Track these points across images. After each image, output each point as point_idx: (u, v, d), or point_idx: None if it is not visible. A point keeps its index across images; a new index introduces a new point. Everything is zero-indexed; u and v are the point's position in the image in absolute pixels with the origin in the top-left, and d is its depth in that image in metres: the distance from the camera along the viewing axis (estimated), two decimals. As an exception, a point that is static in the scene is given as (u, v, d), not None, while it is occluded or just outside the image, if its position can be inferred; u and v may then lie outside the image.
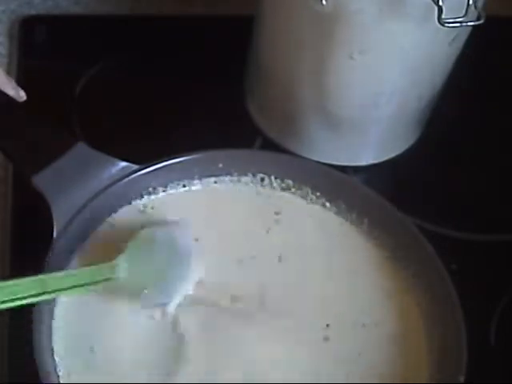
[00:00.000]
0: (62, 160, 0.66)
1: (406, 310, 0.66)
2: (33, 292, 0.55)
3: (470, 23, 0.66)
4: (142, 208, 0.69)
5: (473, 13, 0.65)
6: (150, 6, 0.94)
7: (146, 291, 0.61)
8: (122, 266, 0.61)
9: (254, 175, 0.72)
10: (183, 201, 0.70)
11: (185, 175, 0.71)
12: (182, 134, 0.81)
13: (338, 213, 0.71)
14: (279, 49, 0.76)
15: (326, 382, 0.62)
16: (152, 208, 0.69)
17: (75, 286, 0.58)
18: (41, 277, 0.57)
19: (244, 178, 0.72)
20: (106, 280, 0.60)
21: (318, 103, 0.77)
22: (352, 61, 0.71)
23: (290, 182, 0.72)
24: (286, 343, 0.63)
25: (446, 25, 0.64)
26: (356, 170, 0.81)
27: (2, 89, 0.69)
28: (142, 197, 0.70)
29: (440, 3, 0.63)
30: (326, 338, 0.64)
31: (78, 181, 0.66)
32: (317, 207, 0.72)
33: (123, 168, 0.68)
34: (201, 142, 0.74)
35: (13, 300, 0.54)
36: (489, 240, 0.78)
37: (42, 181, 0.65)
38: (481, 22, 0.66)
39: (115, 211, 0.68)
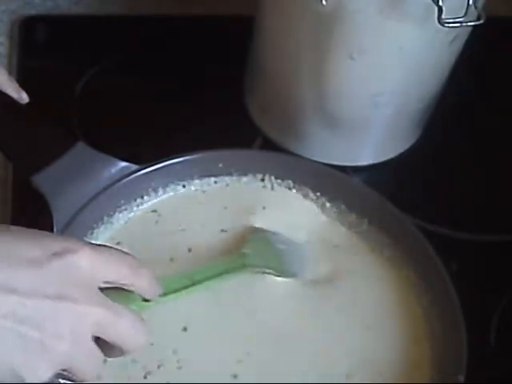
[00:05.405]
0: (62, 160, 0.66)
1: (406, 309, 0.66)
2: (184, 284, 0.59)
3: (470, 23, 0.66)
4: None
5: (473, 13, 0.65)
6: (150, 6, 0.94)
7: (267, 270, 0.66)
8: (249, 254, 0.66)
9: (254, 175, 0.72)
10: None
11: (185, 175, 0.71)
12: (182, 134, 0.81)
13: (337, 213, 0.71)
14: (279, 49, 0.76)
15: (326, 382, 0.62)
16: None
17: (214, 276, 0.62)
18: (188, 272, 0.61)
19: (244, 178, 0.72)
20: (239, 267, 0.64)
21: (317, 103, 0.77)
22: (352, 61, 0.71)
23: (290, 182, 0.72)
24: None
25: (446, 25, 0.64)
26: (356, 169, 0.81)
27: (4, 90, 0.69)
28: (142, 197, 0.70)
29: (440, 3, 0.63)
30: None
31: (78, 181, 0.66)
32: (316, 207, 0.72)
33: (123, 168, 0.68)
34: (201, 142, 0.73)
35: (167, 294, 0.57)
36: (489, 240, 0.78)
37: (42, 181, 0.65)
38: (481, 22, 0.66)
39: (115, 211, 0.69)
